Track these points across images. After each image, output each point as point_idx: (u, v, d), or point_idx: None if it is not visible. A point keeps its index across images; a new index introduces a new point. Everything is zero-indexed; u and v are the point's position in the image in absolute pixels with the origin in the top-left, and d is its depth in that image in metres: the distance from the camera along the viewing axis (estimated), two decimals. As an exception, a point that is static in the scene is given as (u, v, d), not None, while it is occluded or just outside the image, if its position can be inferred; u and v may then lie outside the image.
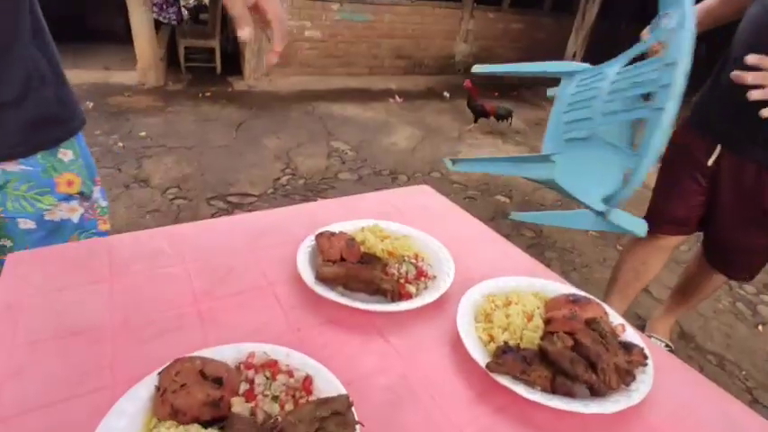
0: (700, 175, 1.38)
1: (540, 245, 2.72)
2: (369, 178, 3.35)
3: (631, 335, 0.63)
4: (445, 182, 3.42)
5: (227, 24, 7.00)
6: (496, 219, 2.96)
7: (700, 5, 1.33)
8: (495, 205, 3.15)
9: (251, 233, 0.84)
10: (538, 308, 0.65)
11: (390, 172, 3.49)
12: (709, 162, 1.33)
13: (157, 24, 5.44)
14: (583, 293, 0.68)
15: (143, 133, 3.74)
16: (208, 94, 5.08)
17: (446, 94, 5.26)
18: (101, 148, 3.40)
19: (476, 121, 4.50)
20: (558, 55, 6.14)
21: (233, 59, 6.26)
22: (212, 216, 2.68)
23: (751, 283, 2.48)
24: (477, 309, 0.67)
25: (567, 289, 0.72)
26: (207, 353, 0.53)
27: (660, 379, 0.57)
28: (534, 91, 6.22)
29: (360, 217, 0.88)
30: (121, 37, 5.67)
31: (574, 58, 5.91)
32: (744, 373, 1.88)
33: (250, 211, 2.76)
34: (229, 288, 0.70)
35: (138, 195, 2.81)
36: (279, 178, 3.22)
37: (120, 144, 3.50)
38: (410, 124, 4.58)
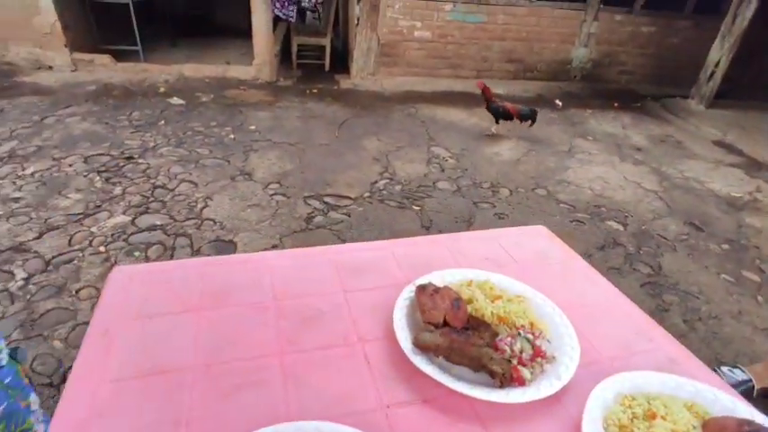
0: None
1: (657, 284, 2.38)
2: (468, 190, 3.20)
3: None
4: (551, 200, 3.16)
5: (338, 23, 7.18)
6: (606, 248, 2.66)
7: None
8: (605, 232, 2.84)
9: (346, 268, 0.78)
10: (694, 428, 0.50)
11: (491, 185, 3.31)
12: None
13: (274, 22, 5.72)
14: (755, 416, 0.51)
15: (253, 127, 3.94)
16: (315, 90, 5.24)
17: (558, 102, 4.89)
18: (214, 138, 3.64)
19: (497, 122, 4.16)
20: (694, 64, 5.45)
21: (342, 58, 6.41)
22: (308, 215, 2.72)
23: None
24: (607, 414, 0.53)
25: (734, 403, 0.55)
26: (283, 429, 0.46)
27: None
28: (662, 102, 5.59)
29: (465, 257, 0.77)
30: (244, 34, 6.02)
31: (716, 67, 5.20)
32: None
33: (346, 214, 2.77)
34: (316, 339, 0.63)
35: (242, 188, 2.94)
36: (376, 182, 3.20)
37: (232, 136, 3.71)
38: (516, 134, 4.33)
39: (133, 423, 0.50)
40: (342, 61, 6.29)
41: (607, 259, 2.52)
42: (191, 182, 2.97)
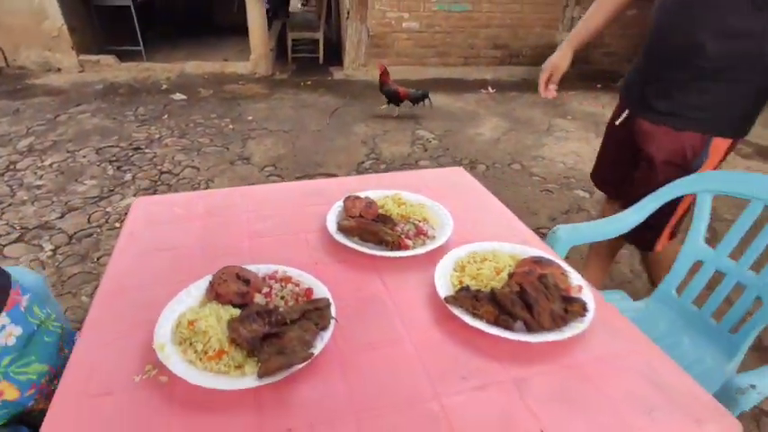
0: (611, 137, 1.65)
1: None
2: (447, 166, 3.47)
3: (587, 294, 0.73)
4: (525, 174, 3.43)
5: (331, 16, 7.43)
6: (570, 213, 2.93)
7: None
8: (572, 199, 3.11)
9: (303, 194, 1.06)
10: (509, 266, 0.77)
11: (470, 161, 3.57)
12: (617, 122, 1.54)
13: (270, 19, 5.99)
14: (548, 256, 0.79)
15: (250, 117, 4.23)
16: (309, 82, 5.51)
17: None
18: (214, 129, 3.93)
19: (388, 104, 4.35)
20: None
21: (336, 50, 6.68)
22: (300, 192, 3.01)
23: None
24: (457, 261, 0.81)
25: (541, 253, 0.83)
26: (247, 267, 0.75)
27: (597, 330, 0.67)
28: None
29: (395, 186, 1.04)
30: (241, 31, 6.29)
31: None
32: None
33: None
34: (274, 232, 0.91)
35: (240, 171, 3.24)
36: (363, 162, 3.48)
37: (231, 126, 4.01)
38: (499, 115, 4.57)
39: (157, 276, 0.79)
40: (335, 53, 6.54)
41: (570, 221, 2.78)
42: (193, 167, 3.27)
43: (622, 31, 6.34)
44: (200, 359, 0.62)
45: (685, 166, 1.36)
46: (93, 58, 5.39)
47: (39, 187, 2.91)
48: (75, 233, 2.48)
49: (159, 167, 3.26)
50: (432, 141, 3.91)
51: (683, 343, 1.16)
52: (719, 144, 1.33)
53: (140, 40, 5.56)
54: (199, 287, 0.73)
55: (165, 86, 5.04)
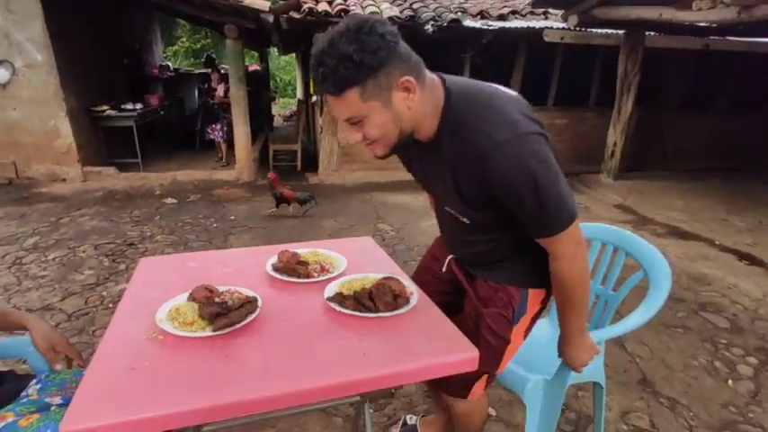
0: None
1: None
2: (401, 252, 4.02)
3: (415, 296, 1.23)
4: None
5: (308, 130, 8.42)
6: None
7: None
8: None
9: (259, 254, 1.56)
10: (372, 283, 1.27)
11: (422, 248, 4.14)
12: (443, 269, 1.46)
13: (254, 133, 6.89)
14: (395, 276, 1.29)
15: (232, 217, 4.83)
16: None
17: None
18: (200, 227, 4.49)
19: (277, 206, 4.88)
20: (602, 145, 6.59)
21: (311, 159, 7.55)
22: (271, 276, 3.50)
23: (740, 344, 2.67)
24: (342, 283, 1.31)
25: (392, 275, 1.34)
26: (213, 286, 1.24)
27: (415, 313, 1.17)
28: (579, 178, 6.65)
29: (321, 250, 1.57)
30: (229, 145, 7.15)
31: (615, 146, 6.36)
32: (691, 414, 2.13)
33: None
34: (235, 272, 1.40)
35: (221, 260, 3.74)
36: (328, 250, 4.01)
37: (215, 225, 4.58)
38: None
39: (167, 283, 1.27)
40: (311, 161, 7.40)
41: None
42: (179, 258, 3.76)
43: (558, 137, 7.36)
44: (181, 325, 1.07)
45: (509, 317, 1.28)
46: (96, 169, 6.10)
47: (42, 277, 3.35)
48: (73, 312, 2.88)
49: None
50: (390, 233, 4.50)
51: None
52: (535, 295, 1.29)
53: (139, 153, 6.34)
54: (183, 297, 1.20)
55: (158, 192, 5.69)
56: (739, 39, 6.56)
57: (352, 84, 0.96)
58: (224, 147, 7.10)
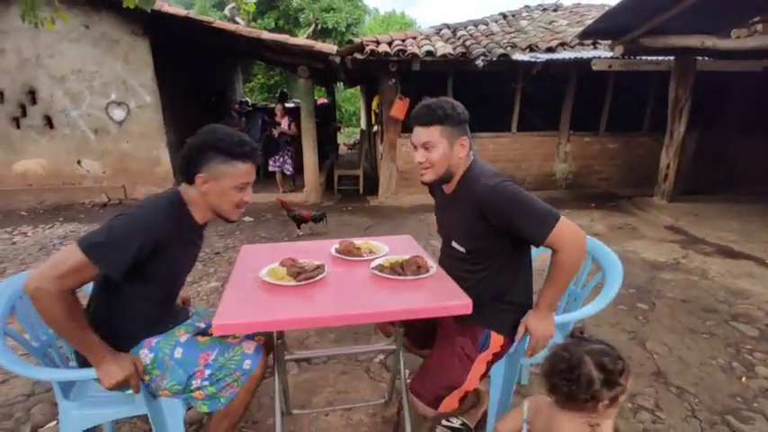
0: None
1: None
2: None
3: (433, 268, 1.71)
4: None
5: (369, 157, 9.09)
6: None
7: None
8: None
9: (330, 245, 2.10)
10: (404, 260, 1.76)
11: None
12: None
13: (321, 160, 7.65)
14: (421, 255, 1.78)
15: (300, 233, 5.50)
16: (350, 207, 6.88)
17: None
18: (273, 240, 5.19)
19: (299, 227, 5.25)
20: (657, 167, 6.66)
21: (373, 182, 8.19)
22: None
23: (765, 349, 2.83)
24: (384, 260, 1.81)
25: (418, 254, 1.81)
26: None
27: (434, 279, 1.64)
28: (633, 201, 6.76)
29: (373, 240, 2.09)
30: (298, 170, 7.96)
31: (668, 169, 6.44)
32: (696, 400, 2.37)
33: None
34: (309, 253, 1.96)
35: (292, 266, 4.37)
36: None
37: (286, 238, 5.26)
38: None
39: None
40: (372, 185, 8.04)
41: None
42: (258, 264, 4.44)
43: (611, 161, 7.51)
44: (275, 278, 1.62)
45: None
46: (188, 192, 7.10)
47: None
48: (178, 303, 3.58)
49: (233, 264, 4.45)
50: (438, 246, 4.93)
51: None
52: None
53: (223, 178, 7.28)
54: (275, 264, 1.76)
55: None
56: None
57: (441, 123, 1.59)
58: (279, 177, 7.56)
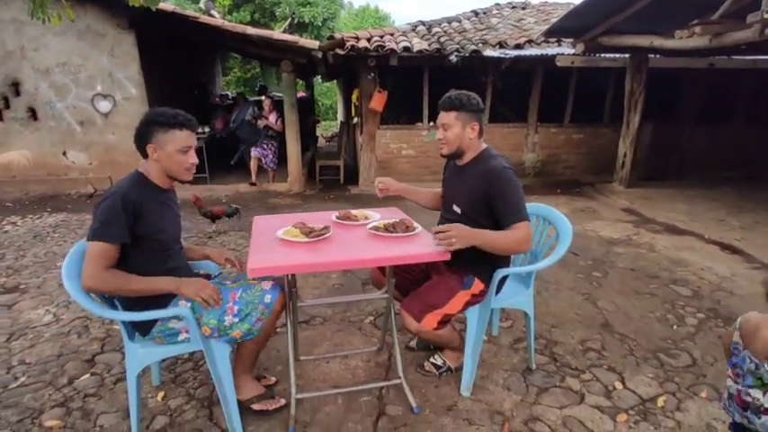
0: None
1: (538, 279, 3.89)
2: (427, 243, 4.87)
3: (418, 228, 2.10)
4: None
5: (349, 148, 9.43)
6: (508, 265, 4.21)
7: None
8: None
9: (326, 214, 2.47)
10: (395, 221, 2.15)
11: (444, 240, 4.97)
12: None
13: (303, 151, 7.95)
14: (407, 217, 2.17)
15: (215, 228, 5.82)
16: (332, 196, 7.23)
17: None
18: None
19: (213, 222, 5.36)
20: (615, 156, 7.23)
21: (353, 172, 8.55)
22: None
23: (695, 305, 3.34)
24: (377, 223, 2.19)
25: (405, 217, 2.20)
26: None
27: (419, 236, 2.03)
28: (595, 187, 7.31)
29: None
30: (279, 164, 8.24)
31: (624, 158, 7.01)
32: (634, 343, 2.85)
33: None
34: (314, 221, 2.32)
35: (283, 247, 4.71)
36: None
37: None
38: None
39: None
40: (352, 175, 8.39)
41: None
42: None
43: (575, 151, 8.06)
44: (290, 236, 1.98)
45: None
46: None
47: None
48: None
49: (226, 247, 4.77)
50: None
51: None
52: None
53: (207, 168, 7.52)
54: (288, 227, 2.12)
55: (224, 200, 6.80)
56: (743, 57, 7.12)
57: (457, 109, 2.07)
58: (254, 165, 7.60)
